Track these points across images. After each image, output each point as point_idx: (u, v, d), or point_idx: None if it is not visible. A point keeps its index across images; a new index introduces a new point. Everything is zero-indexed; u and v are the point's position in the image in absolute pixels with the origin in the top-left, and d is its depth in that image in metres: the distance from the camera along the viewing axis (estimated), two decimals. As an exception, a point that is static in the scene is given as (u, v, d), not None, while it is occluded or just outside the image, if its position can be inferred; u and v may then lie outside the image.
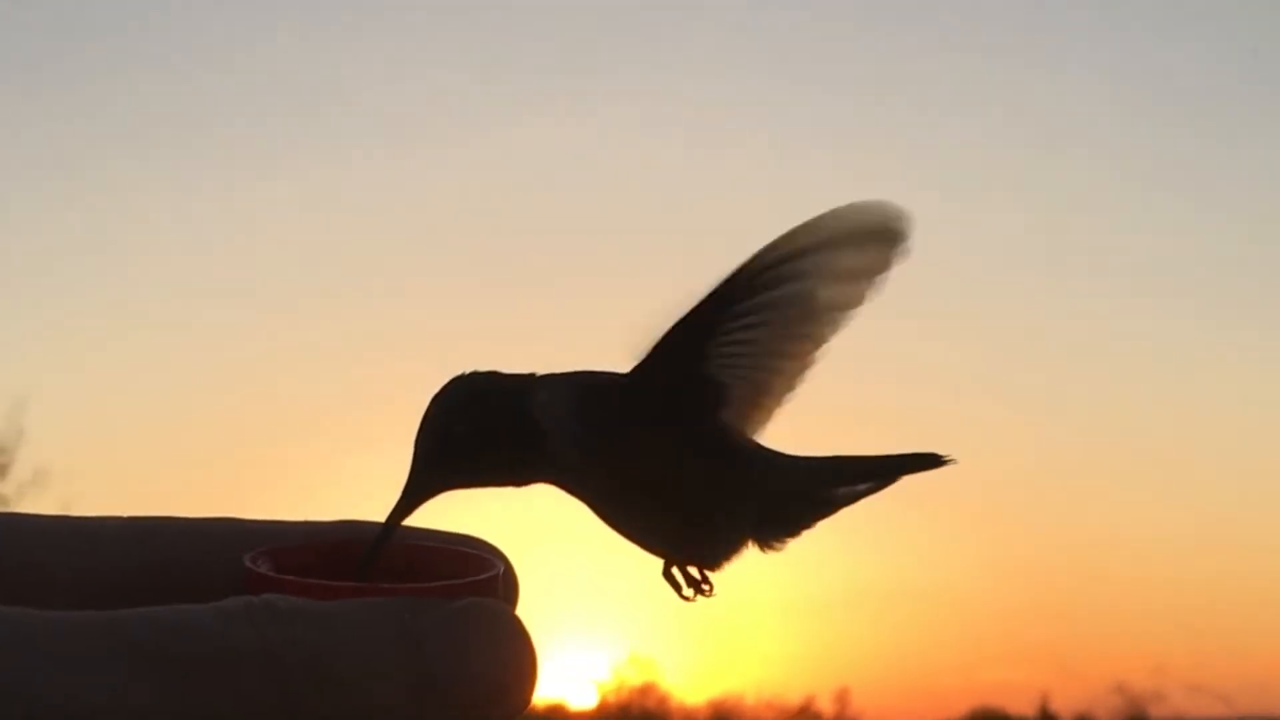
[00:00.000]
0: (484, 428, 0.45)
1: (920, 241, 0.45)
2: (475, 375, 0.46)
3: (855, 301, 0.46)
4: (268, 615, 0.29)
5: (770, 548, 0.48)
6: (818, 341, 0.47)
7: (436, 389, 0.45)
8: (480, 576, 0.33)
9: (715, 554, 0.48)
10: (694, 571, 0.48)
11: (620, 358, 0.46)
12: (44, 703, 0.27)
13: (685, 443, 0.47)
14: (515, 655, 0.31)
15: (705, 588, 0.48)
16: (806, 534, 0.48)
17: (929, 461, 0.49)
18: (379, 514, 0.39)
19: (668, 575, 0.48)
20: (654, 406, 0.45)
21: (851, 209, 0.45)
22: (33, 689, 0.27)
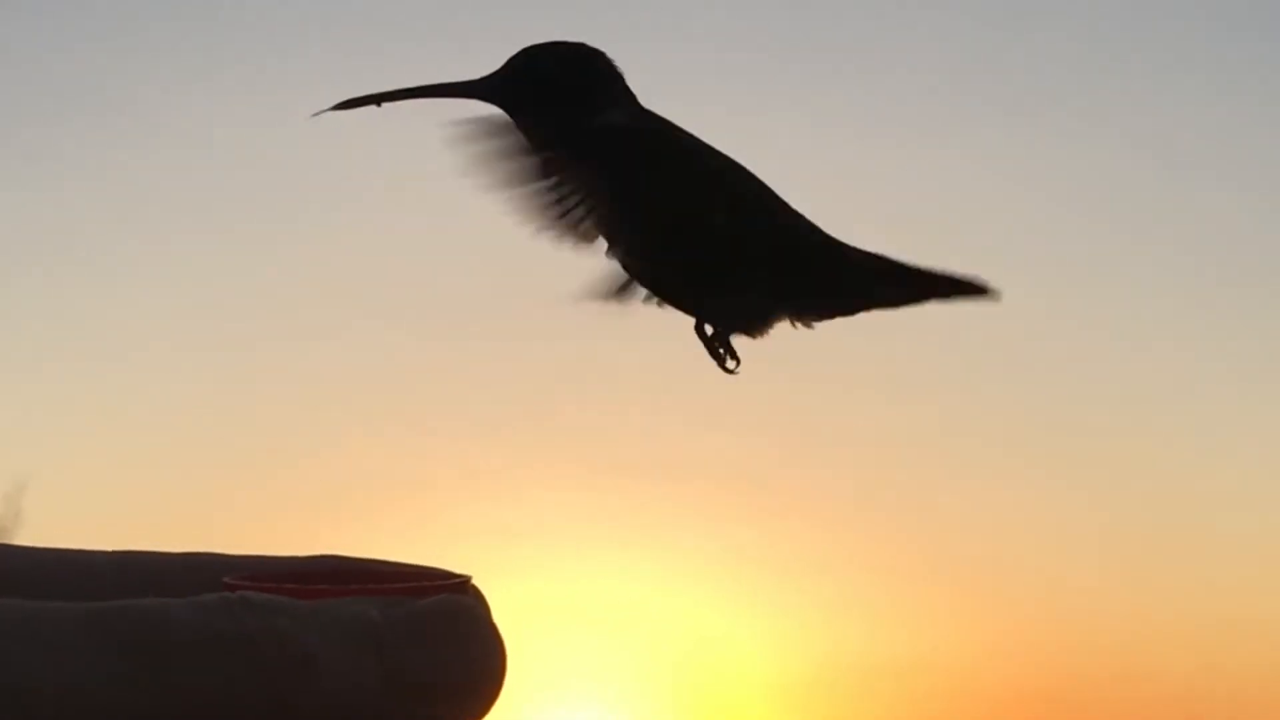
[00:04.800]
0: (566, 86, 0.48)
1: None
2: (599, 55, 0.50)
3: None
4: (244, 606, 0.30)
5: (800, 321, 0.48)
6: None
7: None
8: (451, 580, 0.34)
9: (740, 312, 0.48)
10: (722, 348, 0.48)
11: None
12: (15, 686, 0.28)
13: (711, 188, 0.48)
14: (484, 650, 0.32)
15: (730, 364, 0.48)
16: (839, 319, 0.48)
17: (969, 288, 0.48)
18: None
19: (699, 332, 0.49)
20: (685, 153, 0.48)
21: None
22: (4, 672, 0.28)
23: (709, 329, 0.48)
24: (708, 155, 0.48)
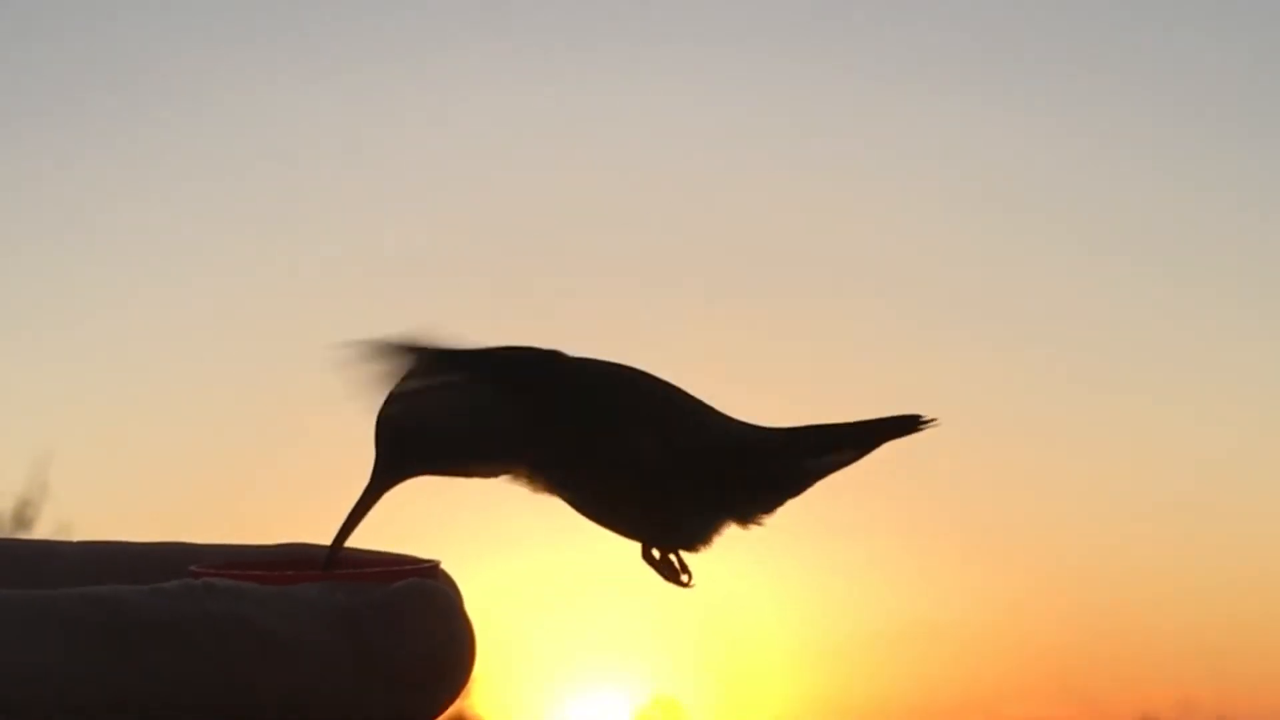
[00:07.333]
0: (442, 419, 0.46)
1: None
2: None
3: None
4: (207, 592, 0.29)
5: (747, 525, 0.47)
6: None
7: None
8: (421, 566, 0.34)
9: (689, 537, 0.47)
10: (673, 558, 0.47)
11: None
12: None
13: (632, 422, 0.46)
14: (453, 635, 0.31)
15: (684, 578, 0.47)
16: (786, 508, 0.47)
17: (906, 425, 0.46)
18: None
19: (647, 557, 0.48)
20: (589, 393, 0.46)
21: None
22: None
23: (654, 552, 0.48)
24: (595, 376, 0.46)
